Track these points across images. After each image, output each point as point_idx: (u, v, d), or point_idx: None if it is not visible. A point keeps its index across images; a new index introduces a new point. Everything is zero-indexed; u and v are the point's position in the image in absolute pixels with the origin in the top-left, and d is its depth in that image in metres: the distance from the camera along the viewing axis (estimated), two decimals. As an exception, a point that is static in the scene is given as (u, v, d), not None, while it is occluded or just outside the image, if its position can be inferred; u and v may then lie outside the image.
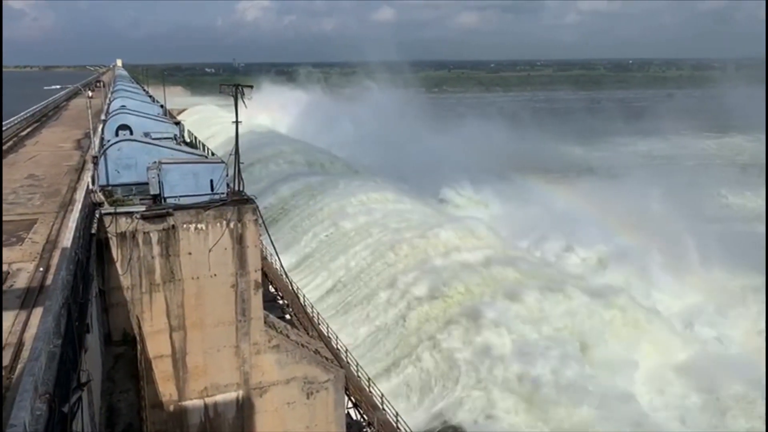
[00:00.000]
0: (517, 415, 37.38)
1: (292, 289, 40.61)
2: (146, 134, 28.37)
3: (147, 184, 20.93)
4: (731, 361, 43.77)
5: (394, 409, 32.16)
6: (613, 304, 46.06)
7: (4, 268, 14.12)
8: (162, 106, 52.54)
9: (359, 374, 35.87)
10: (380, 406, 32.81)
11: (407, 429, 31.03)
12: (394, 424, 31.25)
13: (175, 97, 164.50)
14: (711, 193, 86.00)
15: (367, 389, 34.38)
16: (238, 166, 21.33)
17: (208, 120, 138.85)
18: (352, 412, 31.49)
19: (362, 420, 31.50)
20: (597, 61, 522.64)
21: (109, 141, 25.09)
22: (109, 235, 19.11)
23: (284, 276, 42.95)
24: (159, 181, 20.38)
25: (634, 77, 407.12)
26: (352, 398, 32.08)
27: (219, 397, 20.87)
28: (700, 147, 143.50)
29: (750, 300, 51.98)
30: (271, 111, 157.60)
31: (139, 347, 19.09)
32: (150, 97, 67.57)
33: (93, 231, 18.18)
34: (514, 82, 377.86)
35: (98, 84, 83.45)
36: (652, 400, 39.46)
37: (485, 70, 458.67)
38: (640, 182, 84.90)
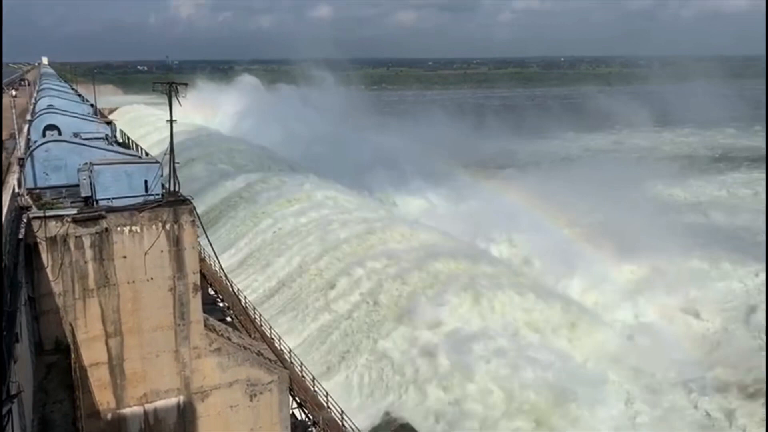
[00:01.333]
0: (461, 407, 37.97)
1: (233, 290, 39.99)
2: (76, 134, 27.37)
3: (78, 186, 20.23)
4: (662, 345, 45.67)
5: (339, 407, 32.14)
6: (542, 296, 47.35)
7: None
8: (92, 106, 50.83)
9: (303, 374, 35.67)
10: (325, 405, 32.73)
11: (353, 426, 31.08)
12: (340, 422, 31.24)
13: (106, 96, 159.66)
14: (642, 185, 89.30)
15: (312, 389, 34.23)
16: (174, 166, 20.86)
17: (142, 119, 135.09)
18: (297, 412, 31.29)
19: (307, 420, 31.36)
20: (531, 59, 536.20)
21: (35, 142, 24.10)
22: (39, 240, 18.36)
23: (224, 278, 42.29)
24: (90, 183, 19.73)
25: (566, 75, 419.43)
26: (297, 398, 31.88)
27: (159, 404, 20.38)
28: (633, 141, 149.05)
29: (675, 284, 54.34)
30: (208, 109, 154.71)
31: (73, 355, 18.43)
32: (79, 96, 65.18)
33: (21, 236, 17.43)
34: (452, 80, 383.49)
35: (22, 82, 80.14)
36: (594, 388, 40.61)
37: (423, 68, 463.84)
38: (575, 176, 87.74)
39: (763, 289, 51.68)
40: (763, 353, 44.34)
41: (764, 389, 38.61)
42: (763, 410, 39.24)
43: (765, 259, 50.68)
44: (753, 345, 46.03)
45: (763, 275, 53.46)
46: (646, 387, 41.39)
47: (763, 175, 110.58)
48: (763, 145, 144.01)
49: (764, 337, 46.07)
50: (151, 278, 19.74)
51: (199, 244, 25.77)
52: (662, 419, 38.92)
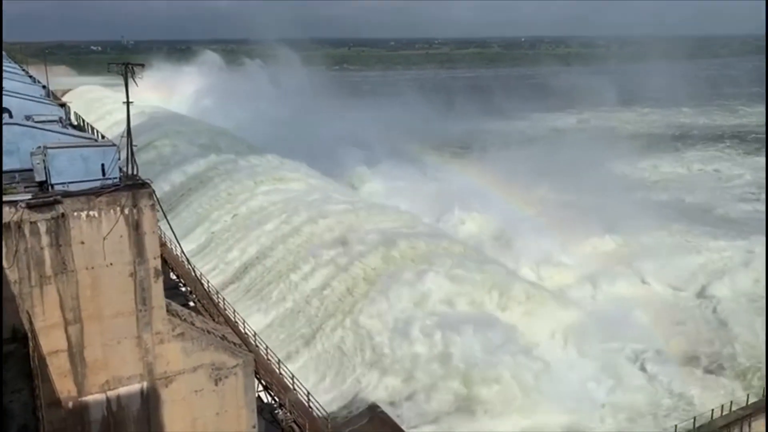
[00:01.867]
0: (430, 390, 38.44)
1: (195, 275, 39.57)
2: (28, 117, 26.53)
3: (31, 170, 19.67)
4: (621, 319, 46.88)
5: (305, 388, 32.28)
6: (502, 276, 48.08)
7: None
8: (44, 87, 49.36)
9: (269, 357, 35.67)
10: (291, 387, 32.83)
11: (319, 407, 31.27)
12: (306, 404, 31.39)
13: (59, 77, 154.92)
14: (605, 164, 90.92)
15: (278, 371, 34.27)
16: (131, 149, 20.43)
17: (97, 101, 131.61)
18: (263, 395, 31.31)
19: (274, 402, 31.42)
20: (492, 39, 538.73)
21: (-15, 125, 23.28)
22: (-9, 227, 17.83)
23: (186, 262, 41.83)
24: (45, 167, 19.18)
25: (527, 55, 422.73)
26: (263, 381, 31.88)
27: (122, 390, 20.14)
28: (594, 122, 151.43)
29: (635, 259, 55.79)
30: (166, 90, 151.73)
31: (31, 344, 18.04)
32: (30, 77, 63.12)
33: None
34: (414, 60, 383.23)
35: (-30, 63, 76.93)
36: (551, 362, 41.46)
37: (385, 48, 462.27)
38: (539, 155, 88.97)
39: (724, 262, 53.38)
40: (715, 328, 45.87)
41: None
42: (721, 383, 40.80)
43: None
44: (711, 319, 47.45)
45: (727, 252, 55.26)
46: (604, 361, 42.49)
47: (720, 153, 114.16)
48: (720, 123, 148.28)
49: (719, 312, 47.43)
50: (111, 264, 19.38)
51: (160, 228, 25.41)
52: (619, 392, 40.05)
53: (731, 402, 35.17)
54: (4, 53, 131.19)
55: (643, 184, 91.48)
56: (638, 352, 43.18)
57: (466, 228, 62.54)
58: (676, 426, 32.82)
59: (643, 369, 41.92)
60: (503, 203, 67.77)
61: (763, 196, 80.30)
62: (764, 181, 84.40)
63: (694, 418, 33.87)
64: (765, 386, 36.82)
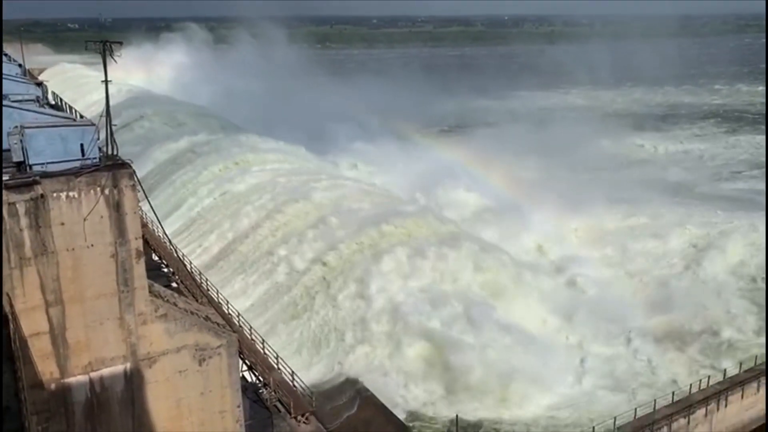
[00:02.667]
0: (412, 368, 38.79)
1: (178, 256, 39.39)
2: (4, 97, 26.05)
3: (9, 151, 19.35)
4: (605, 297, 47.47)
5: (289, 367, 32.45)
6: (485, 253, 48.38)
7: None
8: (20, 66, 48.45)
9: (253, 337, 35.76)
10: (276, 366, 32.98)
11: (303, 385, 31.47)
12: (291, 383, 31.57)
13: (35, 55, 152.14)
14: (587, 142, 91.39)
15: (262, 351, 34.39)
16: (110, 129, 20.14)
17: (75, 80, 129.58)
18: (247, 375, 31.43)
19: (258, 382, 31.56)
20: (475, 17, 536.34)
21: (-40, 105, 22.81)
22: (-32, 208, 17.57)
23: (168, 243, 41.62)
24: (22, 147, 18.87)
25: (510, 33, 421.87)
26: (247, 361, 31.99)
27: (105, 371, 20.07)
28: (579, 101, 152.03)
29: (618, 237, 56.37)
30: (145, 68, 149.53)
31: (12, 326, 17.91)
32: (5, 55, 61.84)
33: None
34: (397, 39, 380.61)
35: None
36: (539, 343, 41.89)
37: (367, 26, 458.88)
38: (523, 135, 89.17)
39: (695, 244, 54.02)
40: (702, 299, 46.44)
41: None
42: (698, 359, 41.58)
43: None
44: (693, 295, 47.99)
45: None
46: (590, 338, 43.13)
47: (702, 132, 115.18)
48: (702, 102, 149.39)
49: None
50: (92, 245, 19.19)
51: (141, 209, 25.19)
52: (605, 368, 40.76)
53: (708, 377, 35.92)
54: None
55: (630, 162, 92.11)
56: (624, 328, 43.86)
57: (452, 206, 62.46)
58: (655, 401, 33.47)
59: (628, 343, 42.69)
60: (488, 182, 67.96)
61: (745, 173, 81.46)
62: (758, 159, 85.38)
63: (673, 393, 34.56)
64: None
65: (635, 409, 32.99)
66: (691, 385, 35.25)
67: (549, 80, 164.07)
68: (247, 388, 29.12)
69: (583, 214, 59.99)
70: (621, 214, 60.50)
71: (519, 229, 56.13)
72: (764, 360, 37.43)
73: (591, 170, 76.83)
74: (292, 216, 54.58)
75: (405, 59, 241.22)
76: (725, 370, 36.95)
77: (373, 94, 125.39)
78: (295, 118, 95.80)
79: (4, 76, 31.76)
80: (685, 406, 33.74)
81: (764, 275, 49.02)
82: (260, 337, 35.70)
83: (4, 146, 19.81)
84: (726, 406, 35.06)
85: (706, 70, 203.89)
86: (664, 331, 44.35)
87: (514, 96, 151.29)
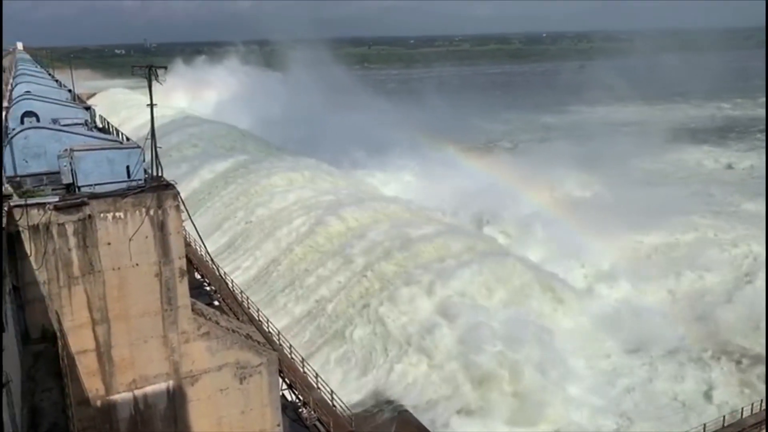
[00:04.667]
0: (448, 388, 38.35)
1: (219, 274, 39.94)
2: (54, 121, 26.94)
3: (58, 173, 19.97)
4: (650, 320, 46.23)
5: (328, 387, 32.40)
6: (531, 272, 47.74)
7: None
8: (70, 91, 50.08)
9: (293, 356, 35.86)
10: (315, 386, 32.97)
11: (342, 406, 31.36)
12: (330, 402, 31.50)
13: (84, 80, 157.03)
14: (626, 159, 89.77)
15: (302, 370, 34.44)
16: (156, 151, 20.65)
17: (121, 103, 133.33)
18: (287, 393, 31.51)
19: (298, 400, 31.59)
20: (512, 35, 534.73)
21: (14, 129, 23.71)
22: (21, 229, 18.15)
23: (210, 262, 42.20)
24: (71, 170, 19.48)
25: (549, 50, 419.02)
26: (287, 380, 32.09)
27: (149, 389, 20.38)
28: (621, 116, 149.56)
29: (658, 259, 54.94)
30: (188, 92, 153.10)
31: (60, 343, 18.35)
32: (56, 81, 64.15)
33: (2, 225, 17.23)
34: (435, 58, 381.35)
35: (-2, 69, 78.45)
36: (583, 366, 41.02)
37: (405, 46, 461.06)
38: (563, 152, 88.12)
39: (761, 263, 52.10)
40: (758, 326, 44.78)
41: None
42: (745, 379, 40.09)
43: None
44: (742, 316, 46.39)
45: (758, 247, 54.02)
46: (637, 359, 42.06)
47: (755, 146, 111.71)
48: (745, 117, 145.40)
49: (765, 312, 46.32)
50: (137, 264, 19.61)
51: (184, 228, 25.64)
52: (652, 391, 39.63)
53: (761, 400, 34.51)
54: (30, 58, 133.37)
55: (677, 178, 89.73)
56: (674, 349, 42.66)
57: (493, 228, 61.80)
58: (704, 425, 32.32)
59: (679, 366, 41.48)
60: (531, 201, 67.12)
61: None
62: None
63: (724, 417, 33.32)
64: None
65: (686, 432, 31.94)
66: (742, 408, 33.94)
67: (596, 96, 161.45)
68: (286, 406, 29.18)
69: (625, 232, 58.71)
70: (671, 231, 58.98)
71: (558, 245, 55.17)
72: None
73: (635, 185, 75.41)
74: (331, 234, 54.90)
75: (445, 77, 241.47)
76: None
77: (414, 112, 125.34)
78: (339, 138, 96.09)
79: (54, 101, 32.94)
80: (737, 430, 32.47)
81: None
82: (300, 355, 35.79)
83: (54, 168, 20.47)
84: (780, 430, 33.60)
85: (755, 83, 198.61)
86: (719, 349, 43.01)
87: (565, 111, 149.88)
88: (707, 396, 39.41)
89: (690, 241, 57.31)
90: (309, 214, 58.97)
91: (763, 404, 34.17)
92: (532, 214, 62.21)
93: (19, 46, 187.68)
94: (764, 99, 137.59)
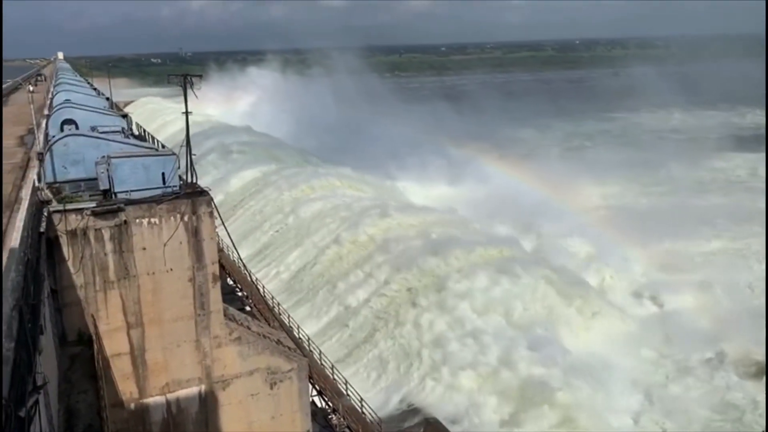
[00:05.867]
0: (481, 397, 37.93)
1: (251, 280, 40.33)
2: (93, 128, 27.56)
3: (96, 179, 20.41)
4: (688, 325, 45.24)
5: (358, 394, 32.39)
6: (565, 282, 47.10)
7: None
8: (108, 99, 51.22)
9: (323, 362, 35.95)
10: (345, 392, 32.99)
11: (372, 413, 31.30)
12: (359, 409, 31.47)
13: (120, 89, 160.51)
14: (659, 166, 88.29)
15: (331, 376, 34.50)
16: (191, 158, 20.96)
17: (157, 111, 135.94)
18: (317, 399, 31.60)
19: (327, 407, 31.65)
20: (545, 42, 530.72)
21: (54, 136, 24.30)
22: (59, 233, 18.59)
23: (242, 267, 42.63)
24: (108, 176, 19.89)
25: (582, 57, 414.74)
26: (317, 386, 32.18)
27: (181, 393, 20.63)
28: (663, 123, 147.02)
29: (697, 267, 53.81)
30: (223, 101, 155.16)
31: (95, 346, 18.70)
32: (95, 89, 65.67)
33: (42, 229, 17.66)
34: (466, 65, 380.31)
35: (40, 78, 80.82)
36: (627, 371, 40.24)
37: (436, 54, 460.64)
38: (603, 159, 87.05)
39: None
40: None
41: None
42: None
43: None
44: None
45: None
46: (671, 368, 41.16)
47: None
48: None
49: None
50: (171, 269, 19.91)
51: (217, 234, 25.95)
52: (686, 401, 38.71)
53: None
54: (70, 67, 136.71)
55: (714, 187, 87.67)
56: (707, 357, 41.70)
57: (528, 237, 61.09)
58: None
59: (713, 373, 40.48)
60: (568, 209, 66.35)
61: None
62: None
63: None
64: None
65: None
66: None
67: (635, 103, 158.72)
68: (316, 413, 29.26)
69: (661, 241, 57.64)
70: (701, 239, 57.84)
71: (599, 256, 54.38)
72: None
73: (672, 194, 73.99)
74: (361, 242, 54.91)
75: (477, 85, 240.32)
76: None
77: (449, 120, 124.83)
78: (368, 147, 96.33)
79: (93, 109, 33.69)
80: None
81: None
82: (329, 362, 35.86)
83: (92, 174, 20.93)
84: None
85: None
86: (752, 360, 41.87)
87: (604, 119, 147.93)
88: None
89: (728, 250, 56.04)
90: (342, 222, 59.11)
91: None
92: (569, 222, 61.42)
93: (60, 55, 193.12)
94: None
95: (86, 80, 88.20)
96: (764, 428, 34.61)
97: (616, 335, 43.83)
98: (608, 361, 40.75)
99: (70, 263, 18.79)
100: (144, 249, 19.50)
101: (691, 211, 64.96)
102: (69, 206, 18.86)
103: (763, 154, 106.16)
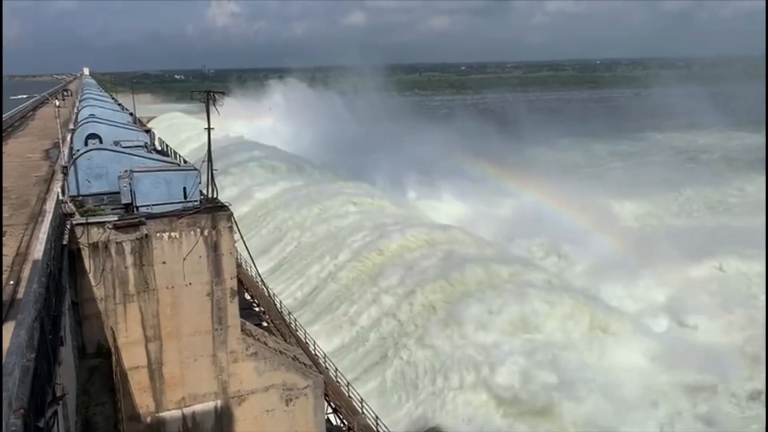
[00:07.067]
0: (496, 415, 37.58)
1: (269, 295, 40.35)
2: (116, 143, 28.01)
3: (118, 193, 20.68)
4: (705, 352, 44.48)
5: (373, 412, 32.14)
6: (582, 302, 46.60)
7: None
8: (131, 114, 51.96)
9: (338, 379, 35.78)
10: (360, 410, 32.76)
11: (387, 431, 31.04)
12: (374, 428, 31.22)
13: (144, 104, 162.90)
14: (673, 189, 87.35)
15: (347, 394, 34.30)
16: (212, 173, 21.17)
17: (179, 127, 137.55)
18: (332, 417, 31.40)
19: (342, 425, 31.44)
20: (565, 62, 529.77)
21: (78, 150, 24.72)
22: (81, 246, 18.82)
23: (260, 283, 42.69)
24: (131, 190, 20.15)
25: (603, 77, 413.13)
26: (332, 403, 31.99)
27: (197, 407, 20.65)
28: (669, 144, 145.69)
29: (713, 290, 52.91)
30: (246, 117, 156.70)
31: (114, 359, 18.82)
32: (119, 105, 66.75)
33: (64, 242, 17.89)
34: (486, 84, 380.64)
35: (66, 93, 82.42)
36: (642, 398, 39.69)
37: (456, 73, 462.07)
38: (611, 182, 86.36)
39: None
40: None
41: None
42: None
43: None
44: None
45: None
46: (688, 391, 40.49)
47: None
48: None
49: None
50: (190, 283, 20.04)
51: (236, 249, 26.09)
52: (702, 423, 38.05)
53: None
54: (95, 83, 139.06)
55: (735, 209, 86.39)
56: (722, 381, 40.95)
57: (549, 258, 60.62)
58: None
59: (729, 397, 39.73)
60: (579, 229, 65.77)
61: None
62: None
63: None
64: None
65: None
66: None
67: (658, 123, 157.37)
68: (331, 431, 29.08)
69: (680, 262, 56.76)
70: (718, 262, 56.84)
71: (617, 277, 53.79)
72: None
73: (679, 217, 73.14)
74: (378, 259, 54.89)
75: (497, 104, 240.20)
76: None
77: (468, 139, 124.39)
78: (393, 163, 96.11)
79: (117, 124, 34.24)
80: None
81: None
82: (345, 379, 35.70)
83: (115, 188, 21.21)
84: None
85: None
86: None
87: (626, 138, 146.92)
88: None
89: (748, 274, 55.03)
90: (363, 238, 59.15)
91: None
92: (590, 244, 60.77)
93: (86, 71, 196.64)
94: None
95: (111, 95, 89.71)
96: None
97: (638, 356, 43.18)
98: (627, 381, 40.17)
99: (91, 276, 18.99)
100: (164, 263, 19.66)
101: (715, 232, 63.95)
102: (91, 219, 19.10)
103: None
